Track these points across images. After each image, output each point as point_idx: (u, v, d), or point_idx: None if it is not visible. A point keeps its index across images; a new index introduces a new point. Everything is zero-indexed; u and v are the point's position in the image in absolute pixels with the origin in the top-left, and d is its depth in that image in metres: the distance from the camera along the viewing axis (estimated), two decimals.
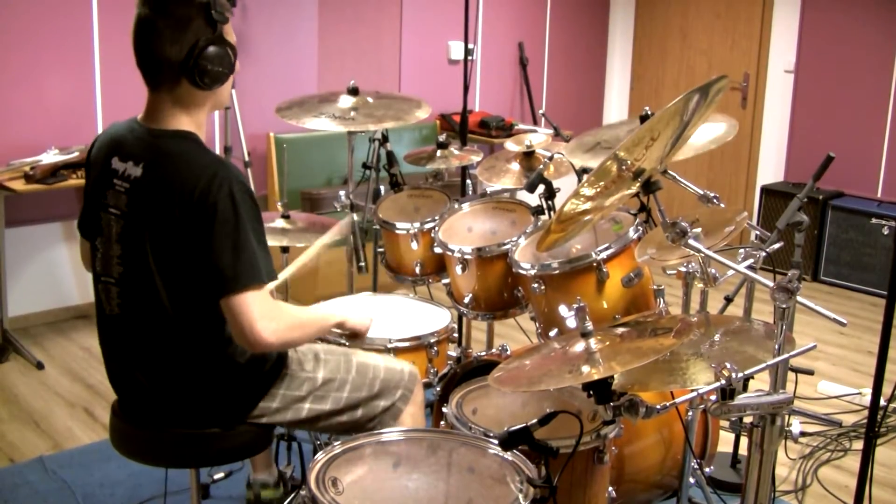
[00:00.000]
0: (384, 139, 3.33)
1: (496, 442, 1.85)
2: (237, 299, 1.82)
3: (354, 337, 2.38)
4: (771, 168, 6.08)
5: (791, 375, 3.16)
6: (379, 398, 2.19)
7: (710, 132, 2.64)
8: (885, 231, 5.21)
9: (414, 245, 2.97)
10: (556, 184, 2.72)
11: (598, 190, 1.82)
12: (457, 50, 5.85)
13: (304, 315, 2.07)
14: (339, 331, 2.34)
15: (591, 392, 1.67)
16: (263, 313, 1.84)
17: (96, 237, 1.98)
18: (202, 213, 1.82)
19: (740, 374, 1.54)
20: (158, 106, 1.92)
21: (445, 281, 2.95)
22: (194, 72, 1.86)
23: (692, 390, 1.60)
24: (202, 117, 1.98)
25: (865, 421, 2.44)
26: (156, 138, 1.91)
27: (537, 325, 2.51)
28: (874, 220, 5.27)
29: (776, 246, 2.53)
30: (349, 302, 2.25)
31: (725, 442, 3.12)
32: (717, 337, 1.91)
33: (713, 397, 1.57)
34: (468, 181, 3.76)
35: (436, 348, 2.67)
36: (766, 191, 5.76)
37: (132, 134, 1.94)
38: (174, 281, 1.89)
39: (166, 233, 1.85)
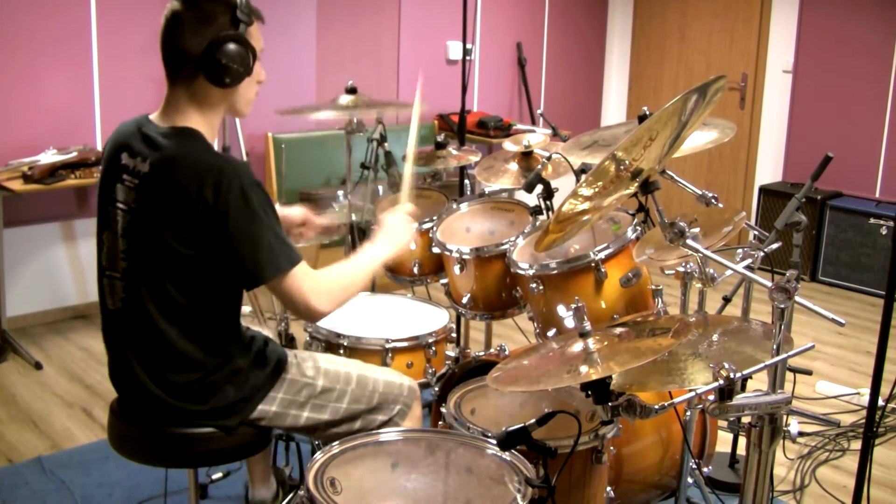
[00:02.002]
0: (382, 139, 3.33)
1: (494, 442, 1.85)
2: (279, 285, 1.90)
3: None
4: (769, 168, 6.08)
5: (789, 375, 3.16)
6: (377, 412, 2.19)
7: (706, 134, 2.64)
8: (884, 231, 5.21)
9: (412, 245, 2.97)
10: (554, 184, 2.72)
11: (597, 190, 1.82)
12: (455, 50, 5.85)
13: (349, 274, 2.07)
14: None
15: (590, 392, 1.67)
16: (311, 290, 1.93)
17: (103, 231, 1.99)
18: (215, 213, 1.83)
19: (738, 374, 1.54)
20: (174, 102, 1.95)
21: (444, 281, 2.95)
22: (210, 66, 1.88)
23: (690, 390, 1.60)
24: (215, 118, 1.99)
25: (863, 421, 2.44)
26: (163, 136, 1.93)
27: (535, 325, 2.51)
28: (872, 221, 5.28)
29: (774, 246, 2.53)
30: (387, 230, 2.15)
31: (724, 442, 3.12)
32: (715, 337, 1.91)
33: (711, 397, 1.57)
34: (466, 181, 3.76)
35: (434, 348, 2.67)
36: (765, 191, 5.77)
37: (142, 130, 1.96)
38: (180, 277, 1.90)
39: (173, 230, 1.87)
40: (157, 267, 1.90)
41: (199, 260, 1.88)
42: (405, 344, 2.61)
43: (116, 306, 1.99)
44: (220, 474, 2.95)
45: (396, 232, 2.24)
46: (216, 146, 4.94)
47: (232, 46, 1.89)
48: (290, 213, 2.45)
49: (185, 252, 1.87)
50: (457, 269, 2.71)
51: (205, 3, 1.89)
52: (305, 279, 1.93)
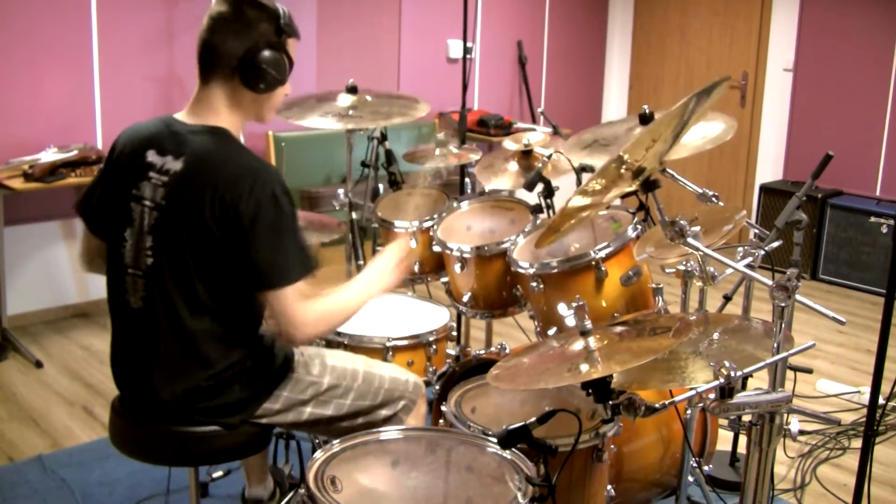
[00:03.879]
0: (383, 137, 3.34)
1: (495, 440, 1.85)
2: (278, 296, 1.89)
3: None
4: (770, 166, 6.08)
5: (790, 374, 3.17)
6: (381, 408, 2.19)
7: (707, 131, 2.64)
8: (884, 229, 5.21)
9: (413, 244, 2.97)
10: (554, 182, 2.72)
11: (599, 188, 1.82)
12: (455, 48, 5.84)
13: (341, 302, 2.05)
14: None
15: (590, 390, 1.67)
16: (303, 310, 1.91)
17: (125, 229, 1.98)
18: (244, 212, 1.85)
19: (739, 373, 1.55)
20: (204, 100, 1.96)
21: (444, 280, 2.95)
22: (248, 69, 1.91)
23: (691, 389, 1.60)
24: (241, 121, 2.01)
25: (864, 419, 2.44)
26: (195, 133, 1.94)
27: (536, 323, 2.51)
28: (873, 219, 5.28)
29: (775, 244, 2.53)
30: (381, 265, 2.14)
31: (724, 440, 3.12)
32: (715, 335, 1.91)
33: (712, 396, 1.57)
34: (467, 180, 3.76)
35: (434, 347, 2.67)
36: (765, 189, 5.76)
37: (169, 129, 1.97)
38: (208, 276, 1.91)
39: (205, 228, 1.88)
40: (186, 264, 1.90)
41: (226, 260, 1.89)
42: (406, 342, 2.61)
43: (139, 305, 1.98)
44: (220, 472, 2.95)
45: (388, 273, 2.22)
46: None
47: (273, 54, 1.93)
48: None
49: (215, 251, 1.88)
50: (457, 267, 2.71)
51: (250, 8, 1.92)
52: (305, 297, 1.93)
